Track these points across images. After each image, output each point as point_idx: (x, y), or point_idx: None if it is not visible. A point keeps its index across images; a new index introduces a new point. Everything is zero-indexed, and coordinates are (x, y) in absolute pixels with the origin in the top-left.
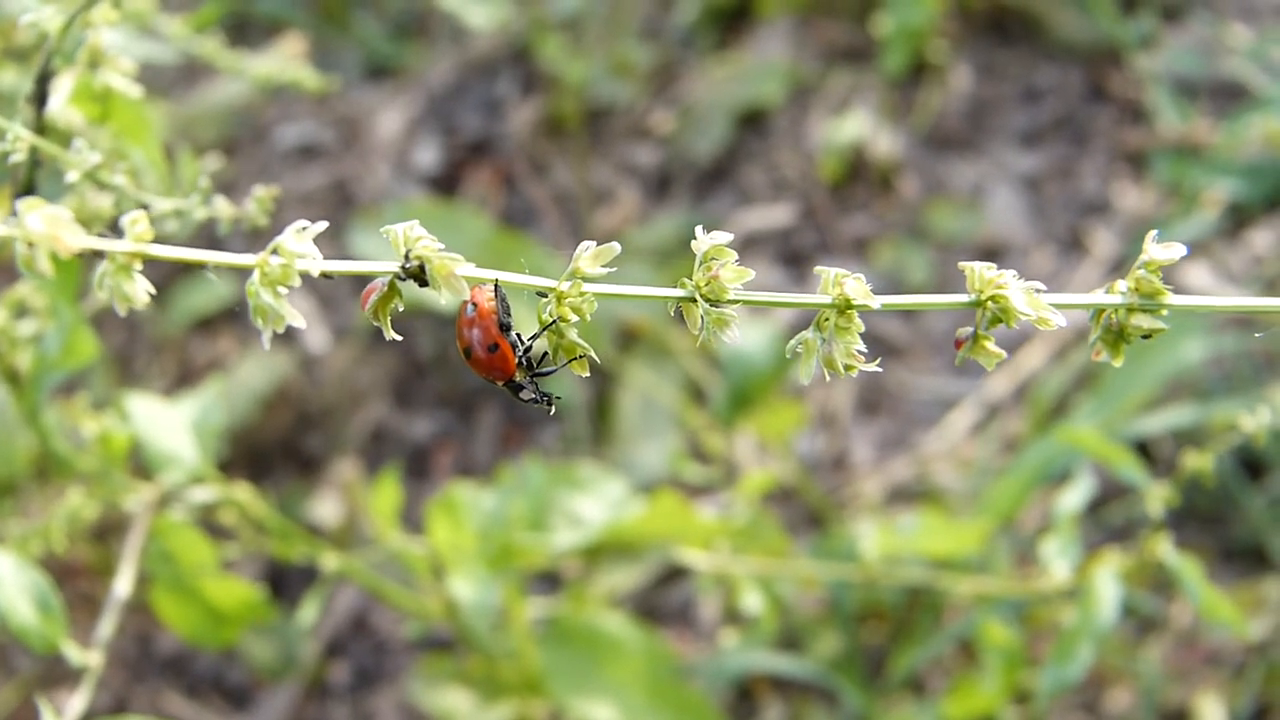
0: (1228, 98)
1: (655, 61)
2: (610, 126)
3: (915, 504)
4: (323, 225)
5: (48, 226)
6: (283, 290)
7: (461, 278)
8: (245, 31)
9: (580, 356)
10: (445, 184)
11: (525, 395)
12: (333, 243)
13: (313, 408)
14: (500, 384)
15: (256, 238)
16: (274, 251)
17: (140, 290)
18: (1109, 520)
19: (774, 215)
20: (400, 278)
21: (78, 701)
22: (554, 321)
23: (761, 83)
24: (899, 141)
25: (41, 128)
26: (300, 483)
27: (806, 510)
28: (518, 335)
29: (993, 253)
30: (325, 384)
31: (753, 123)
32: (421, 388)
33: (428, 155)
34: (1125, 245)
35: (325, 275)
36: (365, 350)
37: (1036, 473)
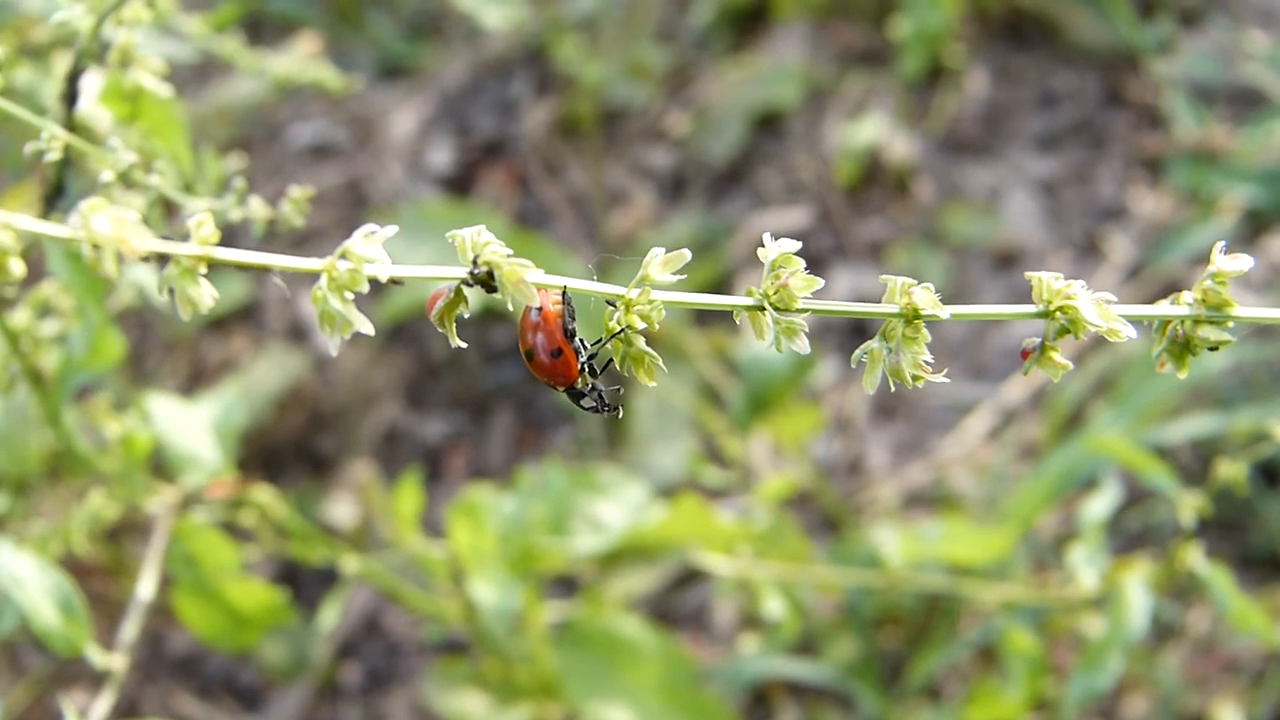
0: (1246, 103)
1: (670, 63)
2: (625, 128)
3: (931, 509)
4: (392, 230)
5: (115, 229)
6: (349, 295)
7: (531, 283)
8: (260, 31)
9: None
10: (459, 184)
11: (586, 403)
12: None
13: (326, 408)
14: (560, 389)
15: (269, 238)
16: (342, 256)
17: (206, 294)
18: (1127, 527)
19: (789, 218)
20: (468, 283)
21: (101, 705)
22: (623, 330)
23: (777, 85)
24: (915, 145)
25: (72, 126)
26: (313, 483)
27: (822, 515)
28: (581, 342)
29: (1009, 257)
30: (338, 385)
31: (768, 125)
32: (434, 389)
33: (441, 155)
34: (1142, 251)
35: (394, 281)
36: (378, 351)
37: (1059, 480)
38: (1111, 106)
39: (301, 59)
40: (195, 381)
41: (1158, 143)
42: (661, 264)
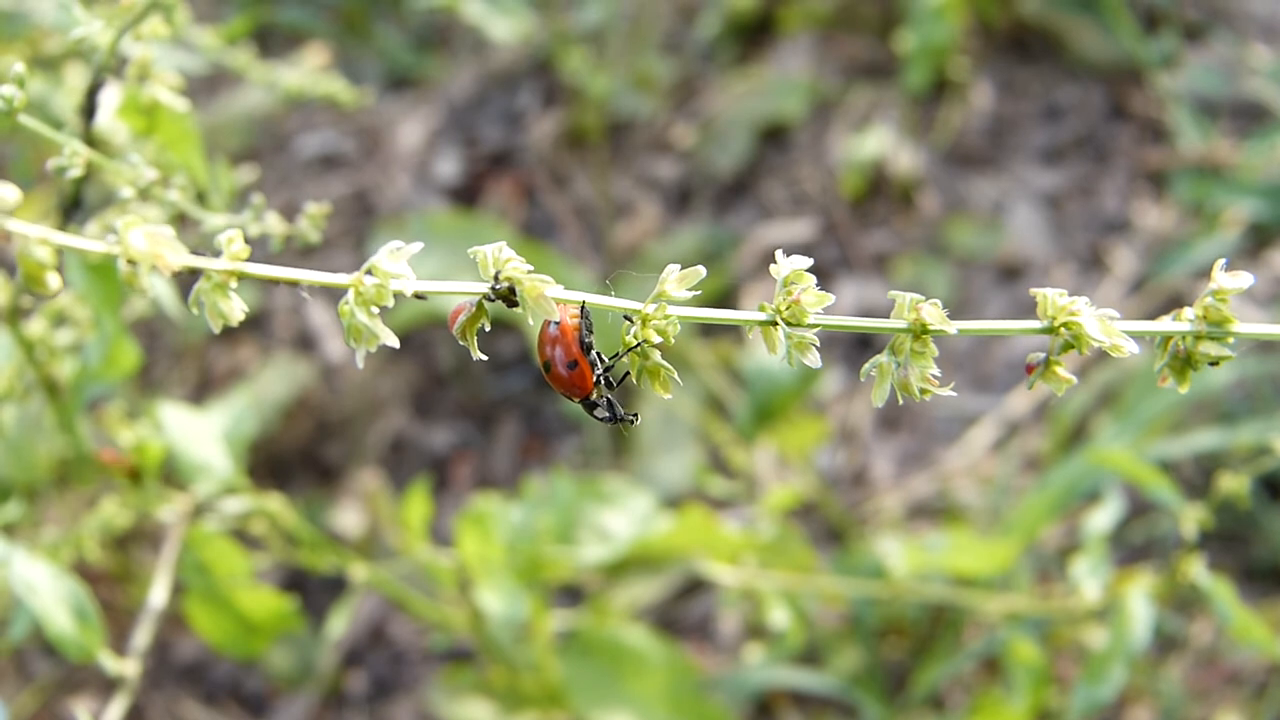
0: (1249, 118)
1: (676, 75)
2: (631, 139)
3: (936, 520)
4: (417, 246)
5: (150, 244)
6: (375, 310)
7: (551, 298)
8: (268, 42)
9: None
10: (466, 195)
11: (599, 414)
12: (354, 253)
13: (333, 417)
14: (576, 401)
15: (280, 251)
16: (369, 271)
17: (236, 308)
18: (1129, 539)
19: (794, 230)
20: (489, 298)
21: (114, 710)
22: (639, 344)
23: (783, 98)
24: (920, 158)
25: (90, 140)
26: (319, 492)
27: (827, 525)
28: (598, 355)
29: (1013, 270)
30: (345, 394)
31: (774, 137)
32: (441, 398)
33: (448, 166)
34: (1145, 264)
35: (419, 296)
36: (385, 360)
37: (1064, 492)
38: (1115, 120)
39: (311, 70)
40: (203, 390)
41: (1161, 156)
42: (677, 280)
